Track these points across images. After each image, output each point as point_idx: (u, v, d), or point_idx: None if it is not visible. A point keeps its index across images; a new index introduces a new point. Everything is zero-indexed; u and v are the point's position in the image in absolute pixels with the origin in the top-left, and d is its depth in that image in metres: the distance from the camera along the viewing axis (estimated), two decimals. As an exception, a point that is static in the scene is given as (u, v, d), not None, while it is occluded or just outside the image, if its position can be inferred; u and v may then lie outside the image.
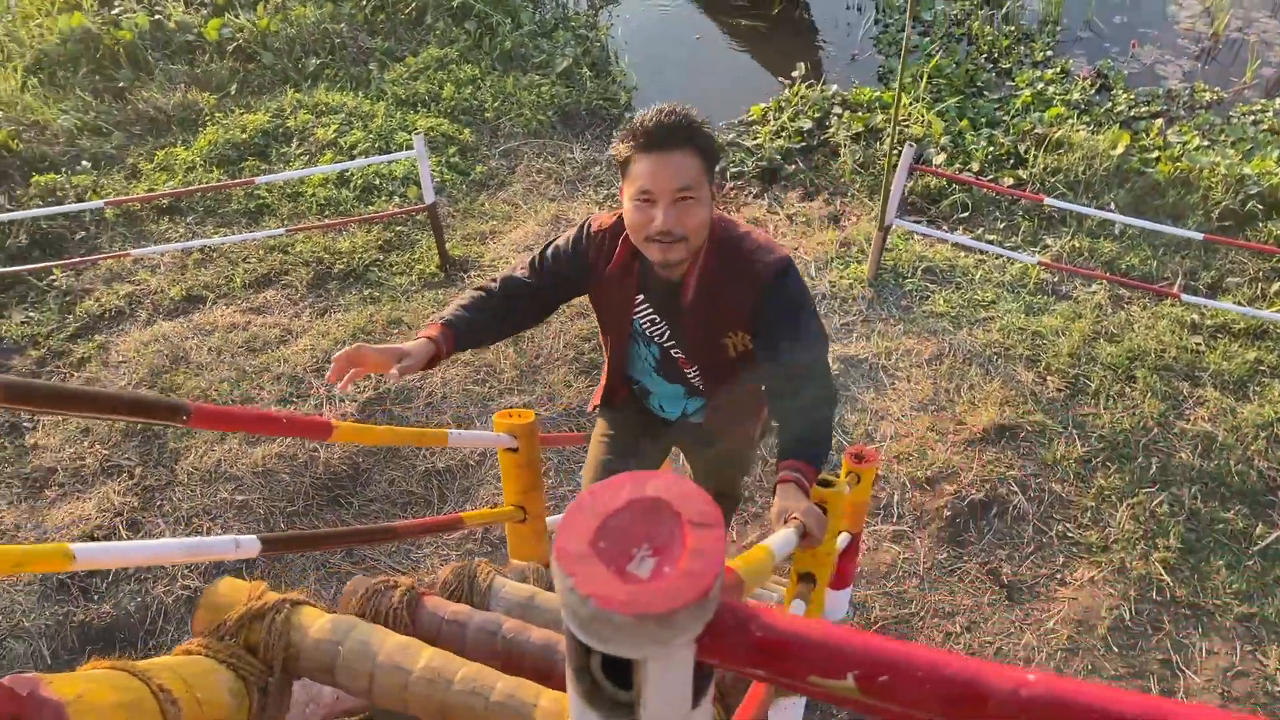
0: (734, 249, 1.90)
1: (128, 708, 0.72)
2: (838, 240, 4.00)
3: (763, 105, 4.92)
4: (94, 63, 5.06)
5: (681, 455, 2.68)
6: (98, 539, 2.93)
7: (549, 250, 2.10)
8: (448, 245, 3.95)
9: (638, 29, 5.88)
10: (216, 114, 4.76)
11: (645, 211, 1.80)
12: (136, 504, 3.02)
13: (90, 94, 4.90)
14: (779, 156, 4.56)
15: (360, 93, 4.92)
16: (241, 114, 4.72)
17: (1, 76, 4.94)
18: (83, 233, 4.16)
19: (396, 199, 4.28)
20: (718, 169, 1.98)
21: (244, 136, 4.58)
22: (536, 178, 4.47)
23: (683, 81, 5.41)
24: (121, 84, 4.97)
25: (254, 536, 0.96)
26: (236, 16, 5.32)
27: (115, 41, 5.10)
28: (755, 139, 4.70)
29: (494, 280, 2.11)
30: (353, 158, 4.39)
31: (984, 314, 3.59)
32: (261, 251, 4.01)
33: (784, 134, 4.68)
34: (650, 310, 2.09)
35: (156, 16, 5.29)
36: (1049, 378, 3.31)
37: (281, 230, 3.73)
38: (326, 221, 3.99)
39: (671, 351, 2.14)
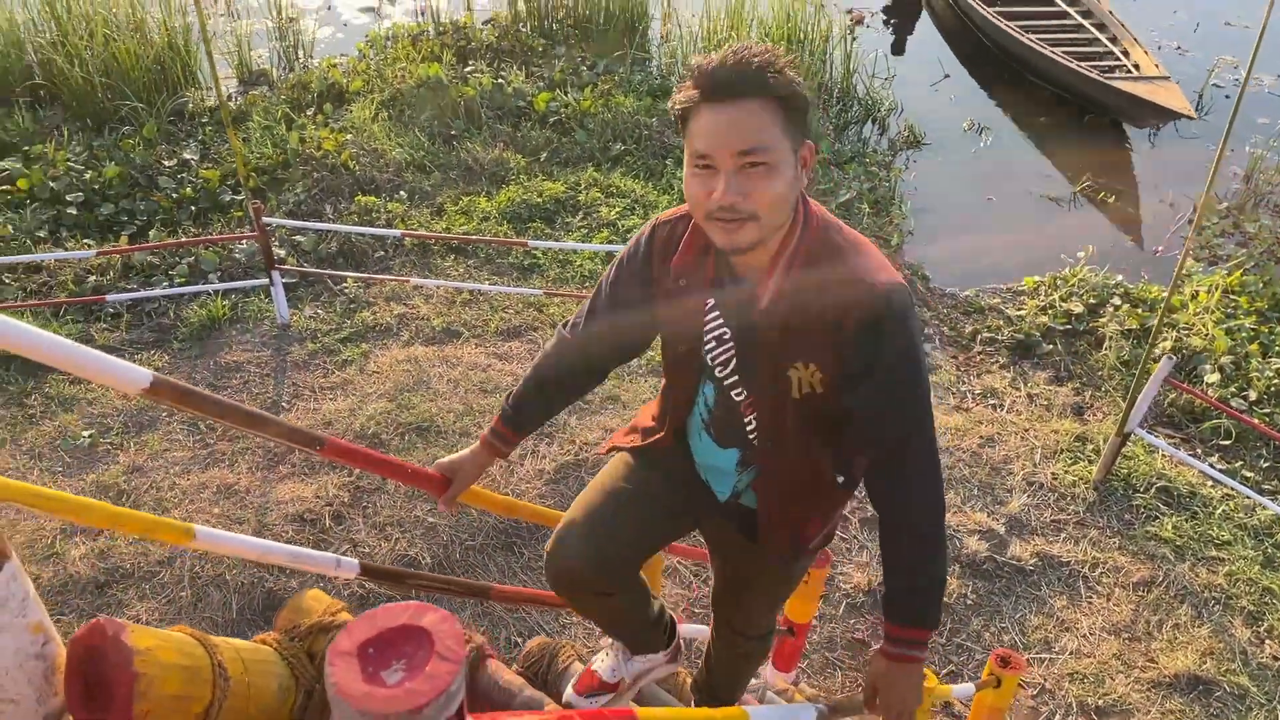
0: (835, 252, 1.50)
1: (186, 671, 0.86)
2: (1074, 433, 3.81)
3: (1037, 278, 4.79)
4: (437, 109, 5.73)
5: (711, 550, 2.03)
6: (306, 520, 3.27)
7: (611, 273, 1.77)
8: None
9: (930, 177, 5.90)
10: (522, 175, 5.25)
11: (704, 181, 1.43)
12: (347, 499, 3.35)
13: (425, 135, 5.54)
14: (1038, 333, 4.41)
15: (651, 183, 5.25)
16: (542, 180, 5.18)
17: (360, 105, 5.71)
18: (381, 253, 4.70)
19: (652, 286, 4.52)
20: (808, 127, 1.50)
21: (538, 200, 5.02)
22: (787, 297, 4.58)
23: (960, 235, 5.36)
24: (453, 132, 5.59)
25: (356, 561, 1.10)
26: (565, 94, 5.87)
27: (459, 95, 5.76)
28: (1019, 309, 4.58)
29: (566, 327, 1.82)
30: (626, 241, 4.70)
31: (1214, 553, 3.29)
32: (520, 305, 4.35)
33: (1051, 312, 4.53)
34: (720, 321, 1.62)
35: (499, 81, 5.93)
36: (1268, 642, 2.98)
37: (540, 291, 4.05)
38: (583, 292, 4.29)
39: (733, 392, 1.66)
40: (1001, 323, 4.52)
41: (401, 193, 5.10)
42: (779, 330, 1.52)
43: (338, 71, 6.13)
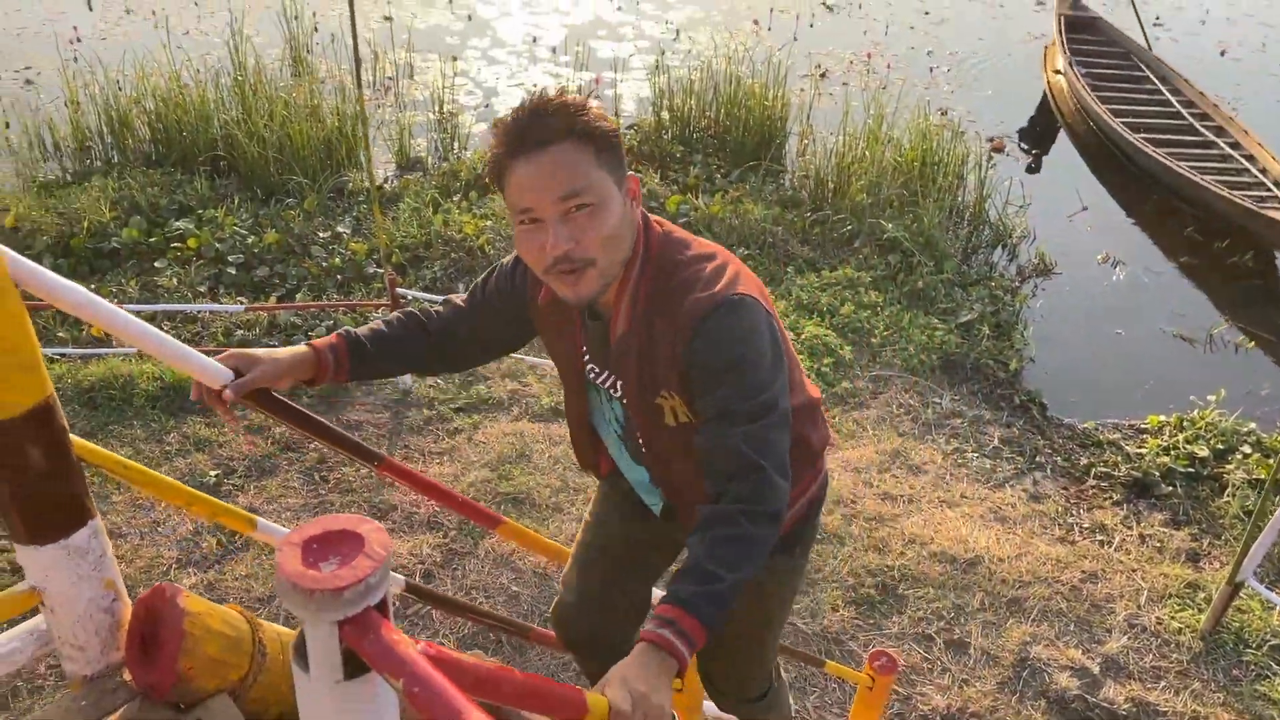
0: (669, 275, 1.46)
1: (227, 639, 0.96)
2: (1186, 579, 3.63)
3: (1162, 417, 4.62)
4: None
5: None
6: (398, 573, 3.40)
7: (491, 274, 1.75)
8: (783, 442, 4.15)
9: (1058, 306, 5.81)
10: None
11: (533, 236, 1.38)
12: (439, 560, 3.47)
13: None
14: (1157, 474, 4.24)
15: (771, 287, 5.35)
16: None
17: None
18: (503, 331, 4.92)
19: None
20: (623, 160, 1.47)
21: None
22: (895, 409, 4.56)
23: (1084, 366, 5.25)
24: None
25: (402, 577, 1.19)
26: (696, 198, 6.08)
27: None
28: (1139, 447, 4.43)
29: (438, 307, 1.80)
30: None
31: (1331, 722, 3.06)
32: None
33: (1173, 453, 4.36)
34: (590, 361, 1.63)
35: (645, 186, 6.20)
36: (1385, 827, 2.73)
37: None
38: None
39: (630, 413, 1.63)
40: (1119, 459, 4.37)
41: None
42: (635, 365, 1.50)
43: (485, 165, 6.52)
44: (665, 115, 7.21)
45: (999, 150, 7.58)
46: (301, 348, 1.53)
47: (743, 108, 7.00)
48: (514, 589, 3.33)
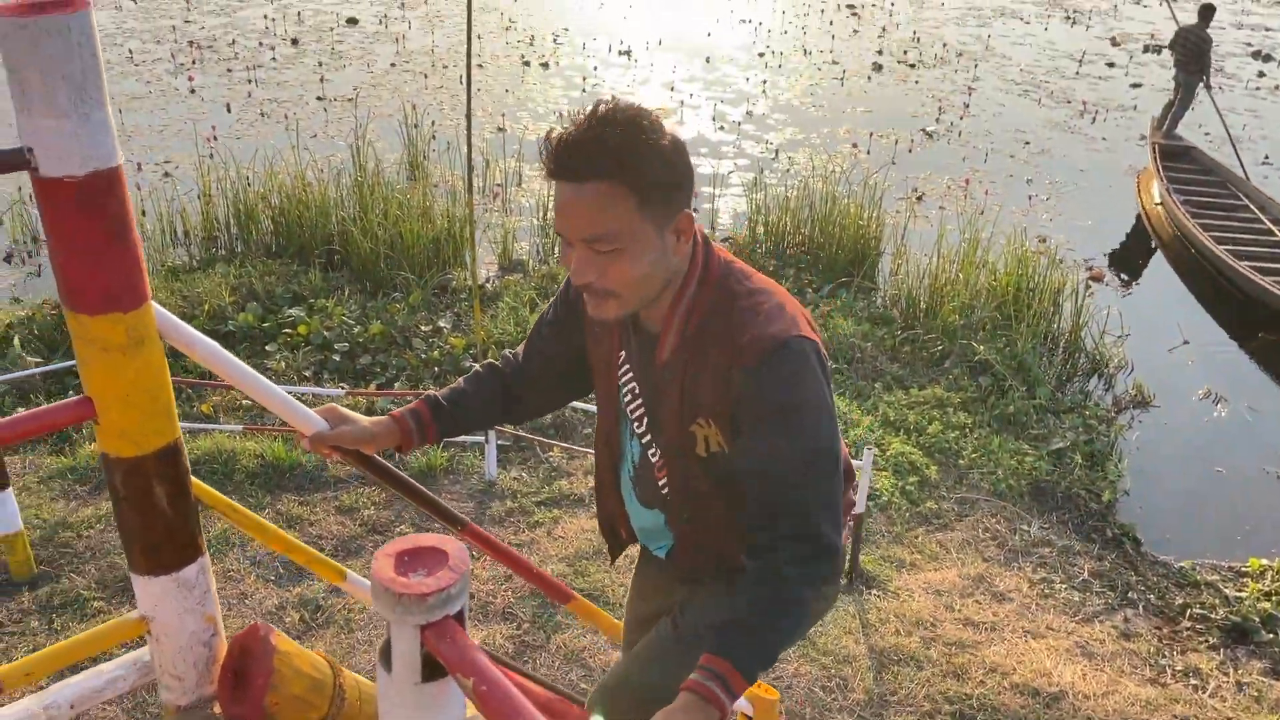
0: (728, 303, 1.43)
1: (312, 681, 1.02)
2: (1288, 732, 3.43)
3: (1264, 561, 4.43)
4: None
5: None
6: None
7: (552, 302, 1.71)
8: (862, 558, 4.10)
9: (1155, 439, 5.66)
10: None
11: (567, 252, 1.39)
12: (511, 650, 3.49)
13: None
14: (1257, 619, 4.04)
15: (856, 402, 5.35)
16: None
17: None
18: (589, 430, 5.00)
19: (841, 501, 4.54)
20: (677, 202, 1.40)
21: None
22: (980, 534, 4.47)
23: (1181, 503, 5.07)
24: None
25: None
26: (787, 311, 6.16)
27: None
28: (1239, 590, 4.24)
29: (514, 353, 1.77)
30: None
31: None
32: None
33: (1275, 598, 4.15)
34: (630, 375, 1.58)
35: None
36: None
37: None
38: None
39: (649, 452, 1.60)
40: (1217, 601, 4.19)
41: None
42: (678, 385, 1.45)
43: (584, 268, 6.74)
44: (760, 229, 7.37)
45: (1097, 279, 7.51)
46: (386, 418, 1.60)
47: (837, 226, 7.12)
48: (583, 685, 3.32)
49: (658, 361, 1.48)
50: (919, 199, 8.89)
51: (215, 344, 1.10)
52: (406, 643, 0.84)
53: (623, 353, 1.56)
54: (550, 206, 7.78)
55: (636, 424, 1.59)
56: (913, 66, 12.96)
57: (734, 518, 1.53)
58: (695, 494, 1.55)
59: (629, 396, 1.58)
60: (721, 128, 10.76)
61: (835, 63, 12.84)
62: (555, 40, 12.87)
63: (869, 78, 12.47)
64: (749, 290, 1.44)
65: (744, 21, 14.29)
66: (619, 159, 1.29)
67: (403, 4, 13.63)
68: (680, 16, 14.28)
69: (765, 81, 12.08)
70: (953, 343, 5.96)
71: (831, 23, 14.38)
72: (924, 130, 10.97)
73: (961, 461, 4.94)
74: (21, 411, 0.99)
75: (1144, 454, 5.48)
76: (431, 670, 0.85)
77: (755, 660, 1.29)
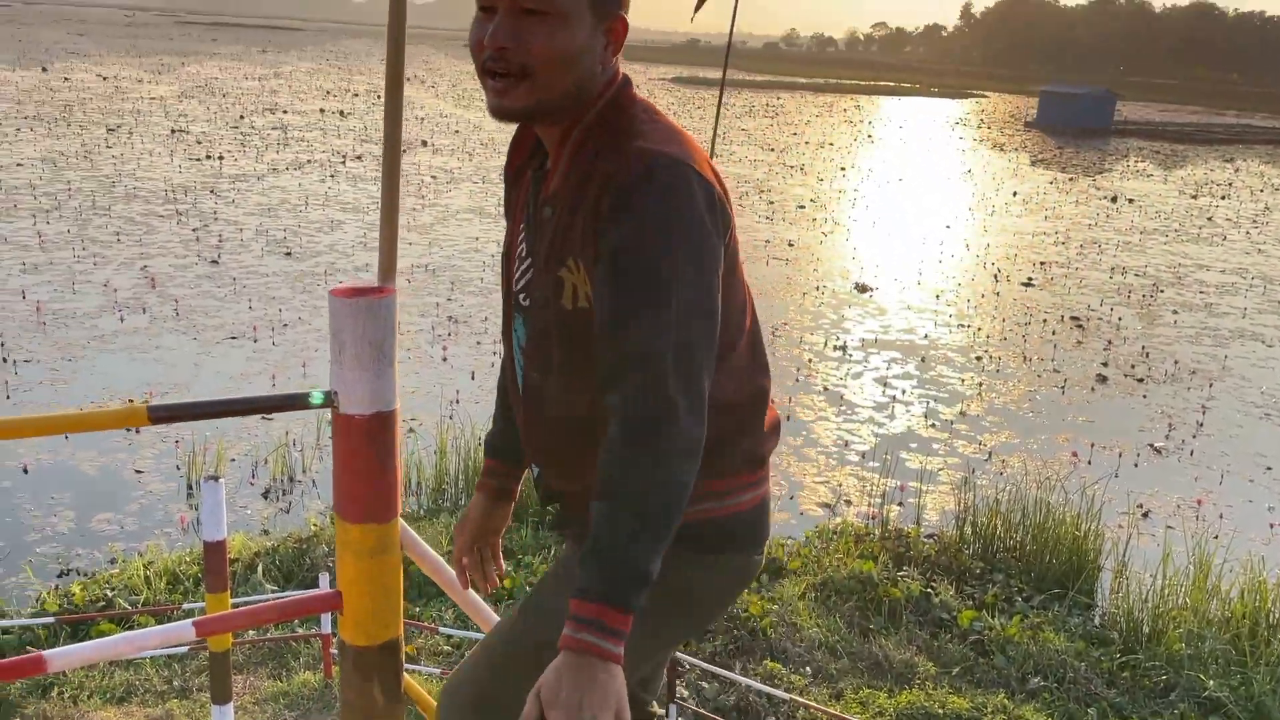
0: (614, 129, 1.30)
1: None
2: None
3: None
4: (861, 602, 6.04)
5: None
6: None
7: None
8: None
9: None
10: (929, 683, 5.25)
11: (479, 27, 1.28)
12: None
13: (844, 623, 5.82)
14: None
15: (1066, 727, 4.96)
16: (948, 692, 5.13)
17: (792, 582, 6.20)
18: (772, 717, 4.88)
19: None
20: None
21: (940, 711, 4.96)
22: None
23: None
24: (872, 626, 5.81)
25: None
26: (992, 616, 5.90)
27: (886, 595, 6.05)
28: None
29: None
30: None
31: None
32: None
33: None
34: (524, 230, 1.43)
35: (928, 590, 6.15)
36: None
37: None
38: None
39: (527, 318, 1.41)
40: None
41: (807, 668, 5.33)
42: (556, 219, 1.31)
43: (783, 551, 6.77)
44: (968, 530, 7.20)
45: (1355, 622, 6.75)
46: (476, 495, 1.58)
47: (1052, 535, 6.87)
48: None
49: (544, 194, 1.35)
50: (1144, 515, 8.46)
51: (440, 559, 1.31)
52: None
53: (526, 212, 1.42)
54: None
55: (521, 292, 1.41)
56: (1140, 380, 12.67)
57: (593, 421, 1.30)
58: (558, 369, 1.34)
59: (520, 255, 1.42)
60: (933, 425, 10.78)
61: (1057, 371, 12.76)
62: (773, 332, 13.56)
63: (1092, 388, 12.26)
64: (653, 119, 1.33)
65: (962, 326, 14.58)
66: None
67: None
68: (899, 318, 14.77)
69: (981, 384, 12.12)
70: (1179, 674, 5.47)
71: (1054, 332, 14.42)
72: (1151, 445, 10.56)
73: (1186, 809, 4.42)
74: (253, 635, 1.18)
75: None
76: None
77: (625, 583, 1.12)
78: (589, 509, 1.17)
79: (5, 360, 10.32)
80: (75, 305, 12.45)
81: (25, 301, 12.40)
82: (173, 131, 30.17)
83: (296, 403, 1.25)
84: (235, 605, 3.26)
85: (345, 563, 1.22)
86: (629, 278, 1.20)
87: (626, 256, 1.21)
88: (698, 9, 4.90)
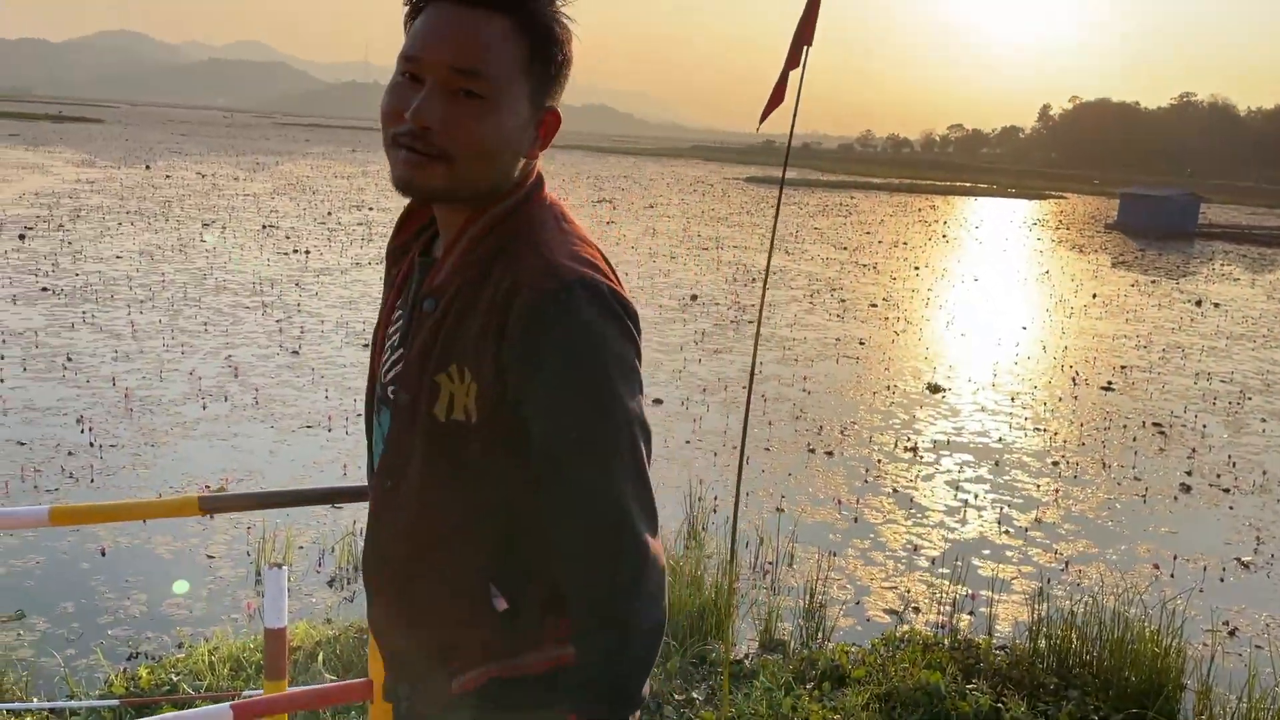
0: (523, 230, 1.19)
1: None
2: None
3: None
4: (928, 716, 5.82)
5: None
6: None
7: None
8: None
9: None
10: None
11: (401, 94, 1.16)
12: None
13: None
14: None
15: None
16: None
17: (855, 692, 6.01)
18: None
19: None
20: (557, 88, 1.23)
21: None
22: None
23: None
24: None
25: None
26: (1065, 736, 5.62)
27: (953, 708, 5.82)
28: None
29: None
30: None
31: None
32: None
33: None
34: (400, 313, 1.31)
35: (998, 705, 5.91)
36: None
37: None
38: None
39: (398, 414, 1.26)
40: None
41: None
42: (440, 316, 1.18)
43: (846, 658, 6.59)
44: (1042, 643, 6.92)
45: None
46: None
47: (1131, 651, 6.57)
48: None
49: (428, 283, 1.23)
50: (1231, 633, 8.05)
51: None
52: None
53: (405, 297, 1.31)
54: (819, 591, 7.78)
55: (391, 387, 1.27)
56: (1226, 491, 12.18)
57: (465, 552, 1.18)
58: (417, 482, 1.19)
59: (391, 343, 1.29)
60: (1007, 532, 10.48)
61: (1138, 479, 12.36)
62: (842, 431, 13.44)
63: (1175, 498, 11.82)
64: (564, 226, 1.22)
65: (1039, 430, 14.27)
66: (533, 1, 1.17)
67: (704, 389, 14.90)
68: (973, 420, 14.53)
69: (1058, 490, 11.79)
70: (1268, 805, 5.14)
71: (1135, 439, 14.02)
72: (1239, 560, 10.09)
73: None
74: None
75: None
76: None
77: (607, 698, 1.12)
78: (423, 679, 1.11)
79: (92, 444, 10.73)
80: (161, 392, 12.93)
81: (115, 388, 12.92)
82: (264, 226, 31.51)
83: (343, 495, 1.30)
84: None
85: (375, 651, 1.24)
86: (567, 413, 1.13)
87: (560, 390, 1.13)
88: (764, 118, 5.04)
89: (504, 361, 1.13)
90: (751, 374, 4.58)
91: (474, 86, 1.13)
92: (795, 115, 4.95)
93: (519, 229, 1.20)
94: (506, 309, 1.13)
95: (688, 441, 12.45)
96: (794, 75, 5.00)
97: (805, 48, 5.01)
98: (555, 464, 1.14)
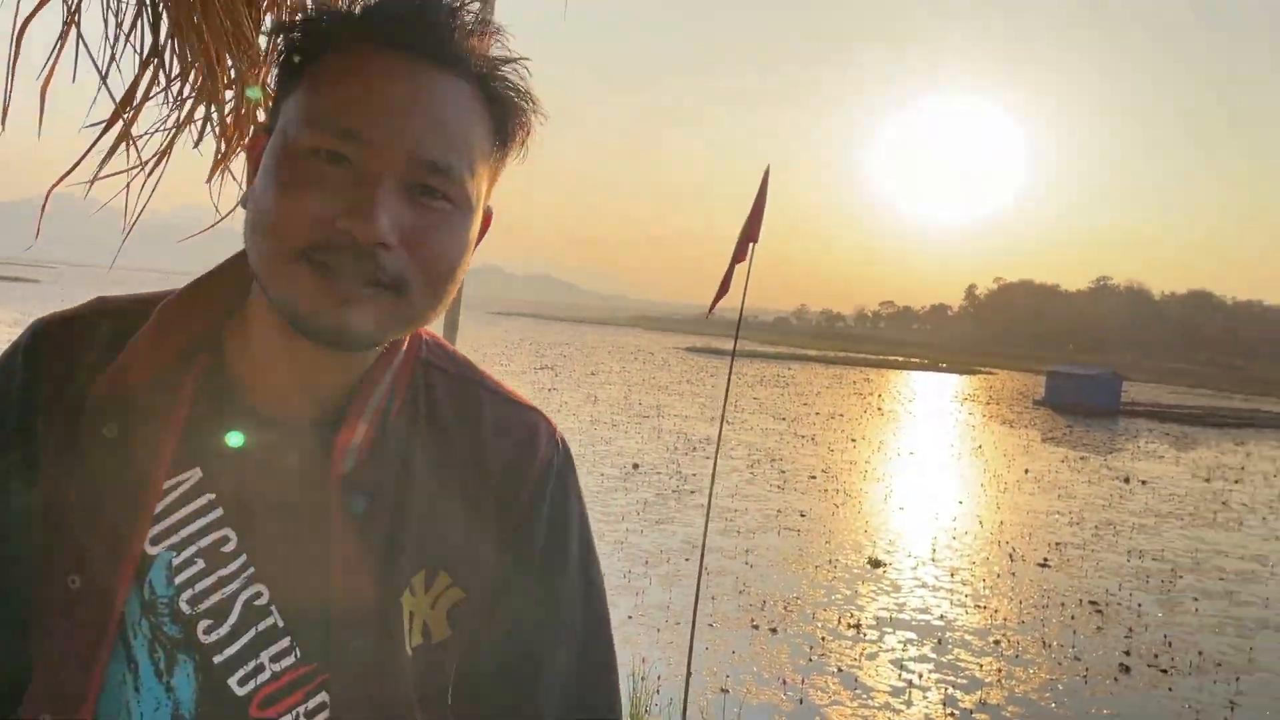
0: (465, 387, 0.90)
1: None
2: None
3: None
4: None
5: None
6: None
7: None
8: None
9: None
10: None
11: (327, 186, 0.76)
12: None
13: None
14: None
15: None
16: None
17: None
18: None
19: None
20: (514, 155, 0.88)
21: None
22: None
23: None
24: None
25: None
26: None
27: None
28: None
29: None
30: None
31: None
32: None
33: None
34: (216, 514, 0.83)
35: None
36: None
37: None
38: None
39: (247, 678, 0.83)
40: None
41: None
42: (386, 518, 0.83)
43: None
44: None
45: None
46: None
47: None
48: None
49: (330, 475, 0.82)
50: (1179, 823, 7.92)
51: None
52: None
53: (194, 469, 0.83)
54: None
55: (208, 625, 0.81)
56: (1164, 671, 12.23)
57: None
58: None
59: (194, 564, 0.82)
60: (952, 714, 10.33)
61: (1078, 659, 12.38)
62: (785, 607, 13.35)
63: (1115, 679, 11.83)
64: (482, 374, 0.96)
65: (979, 607, 14.33)
66: (492, 65, 0.82)
67: (646, 561, 14.78)
68: (914, 596, 14.54)
69: (1000, 670, 11.73)
70: None
71: (1073, 617, 14.12)
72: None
73: None
74: None
75: None
76: None
77: None
78: None
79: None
80: None
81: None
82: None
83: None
84: None
85: None
86: (586, 586, 0.97)
87: (577, 560, 0.95)
88: (712, 308, 5.27)
89: (519, 534, 0.91)
90: (702, 556, 4.61)
91: (438, 184, 0.79)
92: (743, 307, 5.21)
93: (442, 384, 0.92)
94: (517, 480, 0.90)
95: (630, 617, 12.22)
96: (740, 268, 5.31)
97: (751, 244, 5.34)
98: (587, 646, 0.99)
